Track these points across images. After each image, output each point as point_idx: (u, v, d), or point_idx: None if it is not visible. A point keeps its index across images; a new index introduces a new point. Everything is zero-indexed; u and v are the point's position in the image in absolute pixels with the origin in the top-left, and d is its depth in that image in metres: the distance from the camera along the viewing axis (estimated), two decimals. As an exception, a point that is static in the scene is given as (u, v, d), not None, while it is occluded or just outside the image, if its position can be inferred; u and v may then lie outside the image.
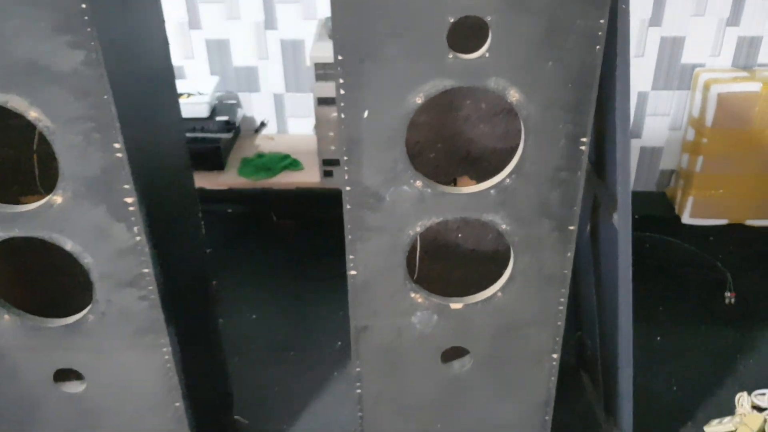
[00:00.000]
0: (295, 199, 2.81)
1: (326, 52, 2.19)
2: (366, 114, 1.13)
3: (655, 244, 2.48)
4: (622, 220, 1.35)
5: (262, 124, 2.73)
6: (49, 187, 1.22)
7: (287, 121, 2.75)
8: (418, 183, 1.21)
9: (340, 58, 1.08)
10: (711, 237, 2.52)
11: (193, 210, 1.56)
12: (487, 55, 1.07)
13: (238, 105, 2.65)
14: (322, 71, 2.22)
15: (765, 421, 1.74)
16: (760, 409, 1.79)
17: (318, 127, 2.33)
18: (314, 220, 2.68)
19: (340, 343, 2.12)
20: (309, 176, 2.47)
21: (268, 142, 2.68)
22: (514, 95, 1.11)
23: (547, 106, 1.13)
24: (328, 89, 2.24)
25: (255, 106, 2.71)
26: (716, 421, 1.80)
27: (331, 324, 2.18)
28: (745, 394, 1.84)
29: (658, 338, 2.09)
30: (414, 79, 1.10)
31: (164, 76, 1.38)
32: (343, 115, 1.14)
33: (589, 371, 1.93)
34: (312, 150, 2.52)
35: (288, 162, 2.52)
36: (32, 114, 1.10)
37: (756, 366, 1.98)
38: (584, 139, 1.17)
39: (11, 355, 1.35)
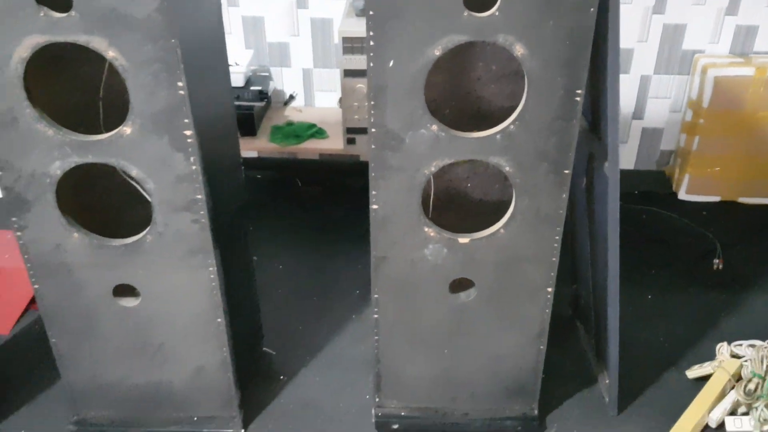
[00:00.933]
0: (318, 168, 3.02)
1: (353, 28, 2.39)
2: (391, 63, 1.33)
3: (653, 217, 2.66)
4: (611, 167, 1.54)
5: (291, 97, 2.93)
6: (110, 129, 1.42)
7: (314, 94, 2.95)
8: (434, 127, 1.41)
9: (371, 13, 1.28)
10: (704, 212, 2.70)
11: (235, 152, 1.76)
12: (497, 13, 1.27)
13: (270, 78, 2.86)
14: (350, 45, 2.41)
15: (741, 366, 1.92)
16: (737, 357, 1.98)
17: (343, 97, 2.52)
18: (335, 187, 2.89)
19: (357, 291, 2.32)
20: (333, 144, 2.67)
21: (296, 113, 2.88)
22: (519, 50, 1.31)
23: (548, 60, 1.32)
24: (354, 62, 2.44)
25: (285, 80, 2.91)
26: (697, 366, 1.98)
27: (350, 276, 2.39)
28: (725, 344, 2.02)
29: (649, 296, 2.28)
30: (433, 34, 1.30)
31: (217, 32, 1.58)
32: (371, 64, 1.34)
33: (582, 321, 2.12)
34: (336, 121, 2.73)
35: (314, 130, 2.73)
36: (110, 54, 1.30)
37: (737, 322, 2.16)
38: (579, 92, 1.36)
39: (77, 271, 1.56)
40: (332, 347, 2.10)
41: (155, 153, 1.40)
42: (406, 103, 1.37)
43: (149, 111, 1.36)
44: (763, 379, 1.84)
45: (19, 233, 1.50)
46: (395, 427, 1.81)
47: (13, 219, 1.49)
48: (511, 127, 1.40)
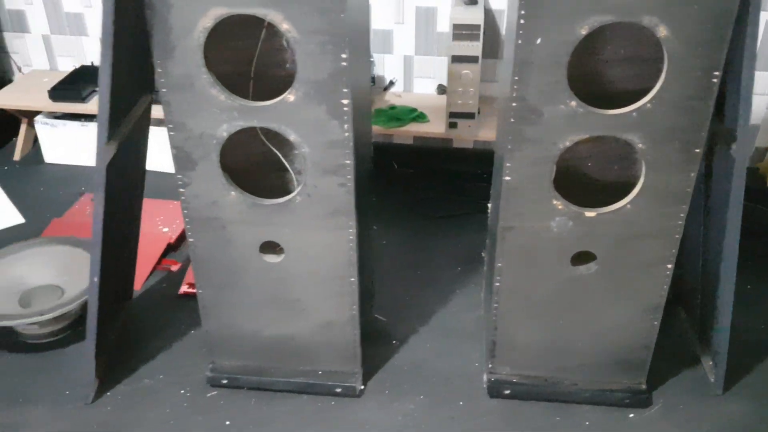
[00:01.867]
0: (412, 152, 3.14)
1: (464, 15, 2.49)
2: (539, 41, 1.43)
3: (747, 210, 2.68)
4: (740, 149, 1.60)
5: (391, 83, 3.05)
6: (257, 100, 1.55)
7: (413, 81, 3.06)
8: (573, 103, 1.50)
9: (526, -7, 1.38)
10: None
11: (368, 123, 1.89)
12: (646, -4, 1.35)
13: (373, 63, 2.98)
14: (459, 32, 2.51)
15: None
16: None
17: (449, 82, 2.63)
18: (429, 170, 3.00)
19: (459, 268, 2.43)
20: (435, 128, 2.78)
21: (395, 98, 3.00)
22: (662, 31, 1.39)
23: (689, 41, 1.40)
24: (463, 48, 2.54)
25: (387, 66, 3.03)
26: (802, 353, 2.02)
27: (450, 253, 2.49)
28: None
29: (748, 286, 2.31)
30: (581, 13, 1.39)
31: (364, 10, 1.71)
32: (519, 41, 1.44)
33: (683, 303, 2.18)
34: (433, 106, 2.85)
35: (416, 114, 2.84)
36: (284, 26, 1.43)
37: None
38: (716, 73, 1.43)
39: (229, 227, 1.70)
40: (439, 317, 2.21)
41: (313, 119, 1.53)
42: (548, 78, 1.47)
43: (312, 80, 1.48)
44: None
45: (182, 189, 1.66)
46: (507, 392, 1.91)
47: (179, 176, 1.64)
48: (648, 105, 1.48)
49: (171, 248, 2.50)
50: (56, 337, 2.09)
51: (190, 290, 2.27)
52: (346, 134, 1.55)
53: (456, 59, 2.57)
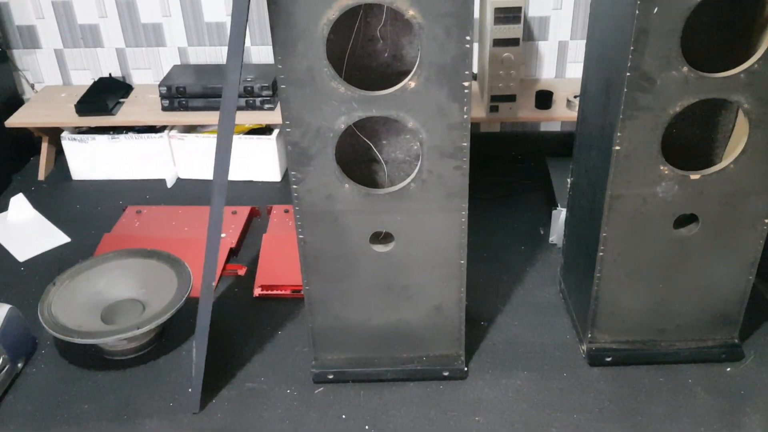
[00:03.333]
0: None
1: (504, -1, 2.53)
2: (656, 10, 1.47)
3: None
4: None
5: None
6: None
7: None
8: (685, 69, 1.55)
9: (648, -36, 1.42)
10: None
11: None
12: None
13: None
14: (501, 15, 2.55)
15: None
16: None
17: (491, 65, 2.66)
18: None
19: (523, 247, 2.47)
20: (475, 112, 2.81)
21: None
22: (775, -7, 1.45)
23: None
24: (504, 32, 2.57)
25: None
26: None
27: (509, 233, 2.54)
28: None
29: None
30: (700, -19, 1.44)
31: None
32: (637, 12, 1.48)
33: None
34: (473, 91, 2.88)
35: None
36: (410, 12, 1.44)
37: None
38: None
39: (341, 219, 1.70)
40: (518, 295, 2.25)
41: (434, 104, 1.55)
42: (662, 45, 1.51)
43: (436, 64, 1.50)
44: None
45: (295, 186, 1.65)
46: (608, 359, 1.95)
47: (293, 172, 1.63)
48: (755, 65, 1.54)
49: (233, 253, 2.47)
50: (143, 351, 2.05)
51: (265, 292, 2.26)
52: (465, 116, 1.57)
53: (497, 43, 2.61)
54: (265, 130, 2.97)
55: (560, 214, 2.38)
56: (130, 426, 1.82)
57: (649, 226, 1.76)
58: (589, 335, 1.95)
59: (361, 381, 1.93)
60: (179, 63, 3.09)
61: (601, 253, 1.81)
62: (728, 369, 1.94)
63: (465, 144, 1.60)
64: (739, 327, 1.95)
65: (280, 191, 2.88)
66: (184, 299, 2.00)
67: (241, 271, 2.38)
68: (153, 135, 2.90)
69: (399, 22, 1.67)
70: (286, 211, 2.65)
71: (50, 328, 1.91)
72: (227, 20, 2.97)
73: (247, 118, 2.84)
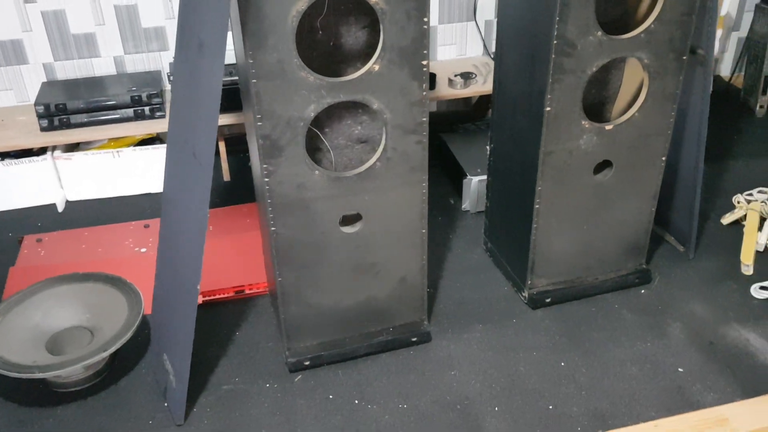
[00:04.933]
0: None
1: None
2: (576, -16, 1.69)
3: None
4: (708, 54, 2.01)
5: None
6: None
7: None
8: (599, 33, 1.79)
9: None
10: None
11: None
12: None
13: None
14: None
15: (761, 205, 2.52)
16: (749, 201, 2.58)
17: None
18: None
19: (440, 218, 2.65)
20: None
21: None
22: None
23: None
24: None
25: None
26: (728, 214, 2.56)
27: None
28: (738, 195, 2.62)
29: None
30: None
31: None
32: (560, -14, 1.69)
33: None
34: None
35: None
36: (372, 0, 1.54)
37: (737, 180, 2.77)
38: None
39: (312, 206, 1.76)
40: (450, 260, 2.42)
41: (396, 84, 1.65)
42: (581, 14, 1.74)
43: (397, 46, 1.60)
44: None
45: (267, 179, 1.68)
46: (548, 300, 2.19)
47: (264, 165, 1.66)
48: (652, 25, 1.82)
49: (160, 265, 2.40)
50: (99, 378, 1.95)
51: (208, 298, 2.23)
52: (424, 93, 1.69)
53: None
54: (155, 140, 2.88)
55: (471, 182, 2.59)
56: (117, 452, 1.75)
57: (574, 176, 2.00)
58: (529, 282, 2.17)
59: (337, 362, 2.00)
60: (46, 80, 2.90)
61: (537, 206, 2.02)
62: (642, 291, 2.26)
63: (425, 119, 1.73)
64: (646, 254, 2.26)
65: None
66: (140, 316, 1.93)
67: (175, 282, 2.32)
68: (35, 159, 2.70)
69: (338, 13, 1.75)
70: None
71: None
72: (97, 30, 2.84)
73: (137, 129, 2.74)
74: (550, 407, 1.86)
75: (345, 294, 1.93)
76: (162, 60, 2.98)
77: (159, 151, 2.77)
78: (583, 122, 1.92)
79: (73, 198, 2.81)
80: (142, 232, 2.53)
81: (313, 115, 1.63)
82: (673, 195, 2.36)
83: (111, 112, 2.72)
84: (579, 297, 2.22)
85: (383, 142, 1.73)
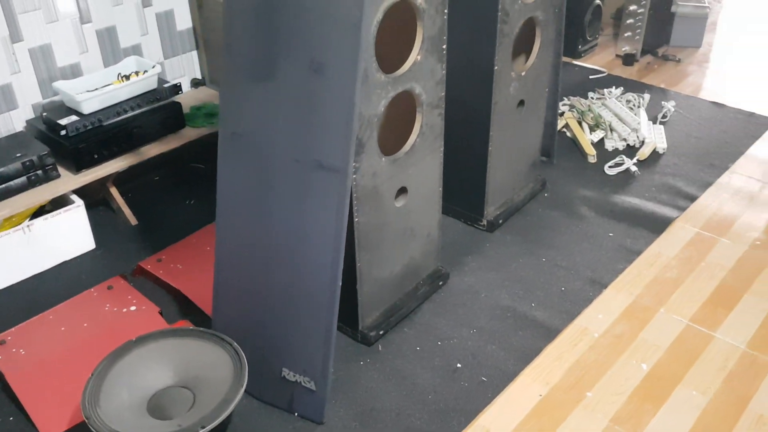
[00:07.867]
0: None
1: None
2: None
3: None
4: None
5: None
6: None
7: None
8: (521, 1, 2.33)
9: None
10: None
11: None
12: None
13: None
14: None
15: (570, 111, 3.37)
16: (571, 107, 3.42)
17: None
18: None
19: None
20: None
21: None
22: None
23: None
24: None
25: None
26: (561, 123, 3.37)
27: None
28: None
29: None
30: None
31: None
32: None
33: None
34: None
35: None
36: (419, 1, 1.85)
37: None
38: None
39: (380, 190, 2.01)
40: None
41: (428, 69, 1.99)
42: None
43: (429, 36, 1.94)
44: (583, 112, 3.34)
45: (354, 176, 1.89)
46: (500, 221, 2.72)
47: (355, 164, 1.87)
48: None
49: (162, 315, 2.33)
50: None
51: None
52: (443, 72, 2.05)
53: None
54: (57, 204, 2.65)
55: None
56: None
57: (507, 116, 2.55)
58: (485, 212, 2.68)
59: (400, 321, 2.27)
60: None
61: (490, 148, 2.52)
62: (546, 195, 2.93)
63: (443, 94, 2.09)
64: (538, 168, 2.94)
65: (103, 257, 2.66)
66: (246, 366, 1.91)
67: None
68: (-69, 264, 2.31)
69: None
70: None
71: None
72: (12, 80, 2.49)
73: (42, 196, 2.51)
74: (563, 289, 2.43)
75: (396, 262, 2.21)
76: (13, 120, 2.71)
77: (74, 212, 2.57)
78: (512, 72, 2.46)
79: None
80: (111, 294, 2.39)
81: (383, 109, 1.89)
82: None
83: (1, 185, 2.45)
84: (515, 212, 2.80)
85: (420, 120, 2.05)
